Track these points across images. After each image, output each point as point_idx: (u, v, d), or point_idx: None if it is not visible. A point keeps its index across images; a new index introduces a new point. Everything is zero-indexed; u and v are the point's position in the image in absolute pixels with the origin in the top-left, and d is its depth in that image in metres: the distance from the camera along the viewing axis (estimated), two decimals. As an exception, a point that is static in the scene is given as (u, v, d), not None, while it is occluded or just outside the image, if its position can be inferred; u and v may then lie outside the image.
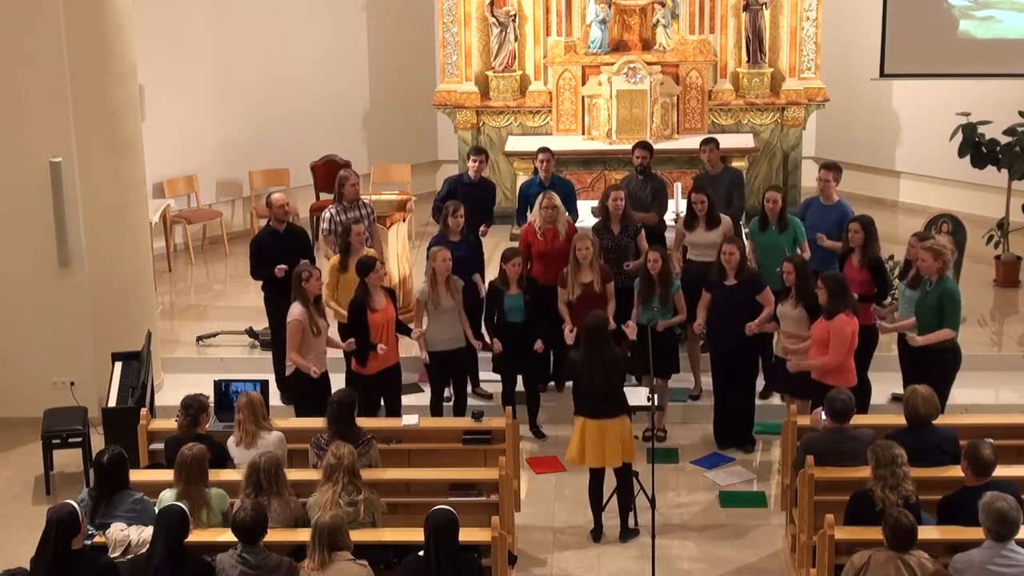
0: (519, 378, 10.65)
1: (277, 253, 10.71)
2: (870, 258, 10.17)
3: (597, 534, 9.33)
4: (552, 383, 11.21)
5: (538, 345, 10.43)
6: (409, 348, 11.01)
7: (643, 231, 11.02)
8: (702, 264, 10.72)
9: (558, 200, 10.93)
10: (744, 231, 11.35)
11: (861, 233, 10.16)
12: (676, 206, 12.03)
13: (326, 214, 11.35)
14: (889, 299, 10.46)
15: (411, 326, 10.27)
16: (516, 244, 11.14)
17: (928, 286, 9.65)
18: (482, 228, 11.68)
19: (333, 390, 9.10)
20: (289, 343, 9.77)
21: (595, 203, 11.74)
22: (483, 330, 10.58)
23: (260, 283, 11.01)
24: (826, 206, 11.08)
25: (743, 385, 10.36)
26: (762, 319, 10.04)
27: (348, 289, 10.25)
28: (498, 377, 10.64)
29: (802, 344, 9.63)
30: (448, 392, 10.58)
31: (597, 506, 9.33)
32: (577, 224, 11.51)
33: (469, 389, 10.78)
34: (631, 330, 10.01)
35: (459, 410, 10.36)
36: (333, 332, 10.25)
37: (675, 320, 10.32)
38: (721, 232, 10.75)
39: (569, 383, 10.97)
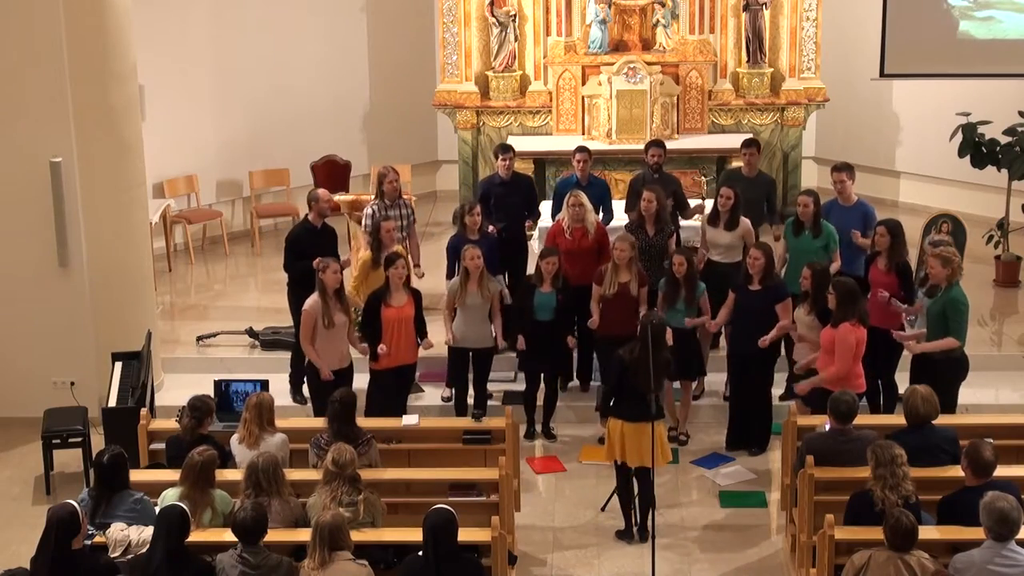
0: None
1: (313, 248, 10.56)
2: (897, 262, 10.12)
3: (628, 535, 9.27)
4: (577, 382, 11.21)
5: (571, 341, 10.43)
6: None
7: (676, 234, 11.01)
8: (721, 265, 10.71)
9: (585, 199, 10.92)
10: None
11: (887, 237, 10.11)
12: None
13: (368, 210, 11.35)
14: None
15: (427, 338, 10.21)
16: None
17: (939, 293, 9.61)
18: (528, 223, 11.70)
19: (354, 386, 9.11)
20: (302, 333, 9.79)
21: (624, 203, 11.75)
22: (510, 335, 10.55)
23: (286, 279, 10.99)
24: (847, 207, 10.99)
25: (760, 389, 10.34)
26: (773, 336, 10.00)
27: (378, 285, 10.24)
28: (502, 377, 10.61)
29: (809, 357, 9.63)
30: (449, 393, 10.58)
31: (628, 507, 9.29)
32: (612, 224, 11.50)
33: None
34: (669, 336, 9.91)
35: (479, 408, 10.37)
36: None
37: (700, 320, 10.33)
38: (739, 234, 10.74)
39: (594, 383, 11.01)
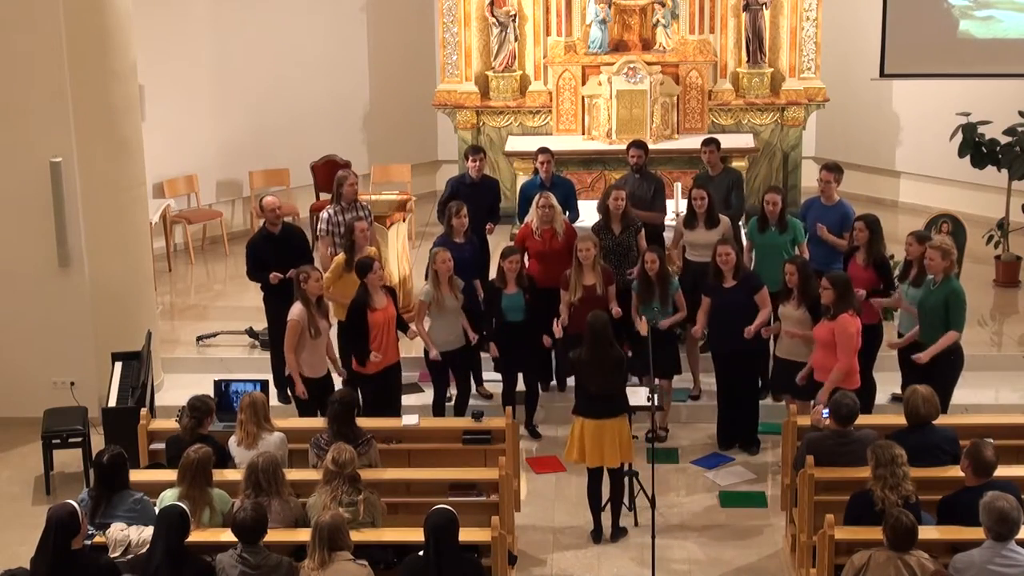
0: (520, 378, 10.63)
1: (272, 255, 10.70)
2: (875, 257, 10.18)
3: (597, 535, 9.33)
4: (554, 382, 11.20)
5: (546, 340, 10.44)
6: (409, 348, 11.02)
7: (643, 230, 11.02)
8: (701, 264, 10.71)
9: (555, 200, 10.94)
10: (743, 231, 11.35)
11: (866, 232, 10.18)
12: (676, 206, 12.03)
13: (323, 214, 11.33)
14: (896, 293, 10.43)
15: (410, 326, 10.28)
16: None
17: (932, 285, 9.64)
18: (489, 226, 11.69)
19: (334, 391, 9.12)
20: (287, 342, 9.79)
21: (597, 203, 11.74)
22: (484, 332, 10.56)
23: (258, 284, 11.01)
24: (827, 206, 11.09)
25: (747, 387, 10.35)
26: (759, 323, 10.03)
27: (351, 287, 10.26)
28: (500, 377, 10.63)
29: (800, 333, 9.64)
30: (450, 392, 10.57)
31: (596, 507, 9.33)
32: (578, 224, 11.51)
33: (472, 388, 10.76)
34: (643, 326, 9.92)
35: (460, 409, 10.36)
36: (332, 334, 10.21)
37: (677, 317, 10.32)
38: (720, 232, 10.75)
39: (571, 381, 11.00)
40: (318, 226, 11.34)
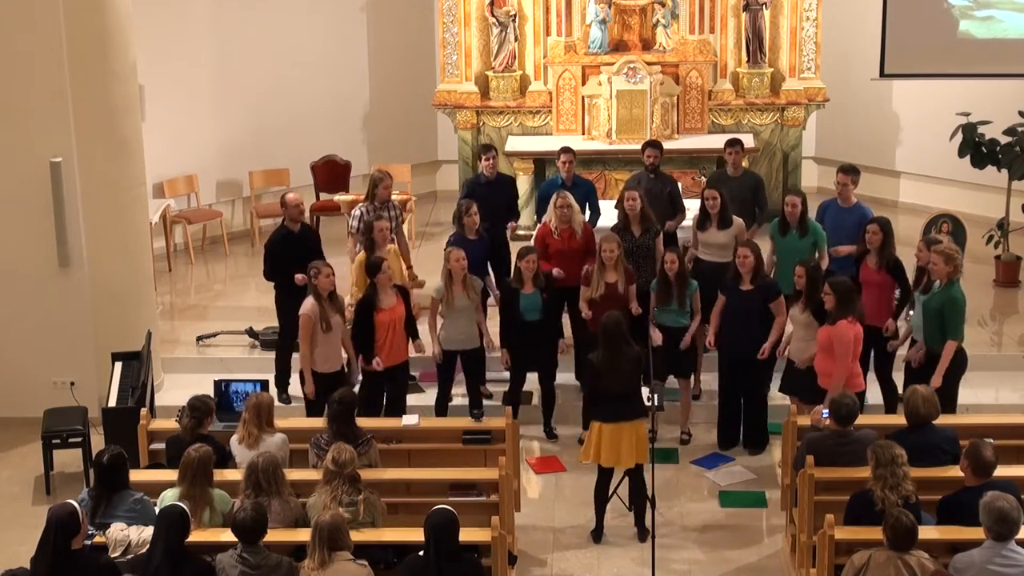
0: (527, 378, 10.62)
1: (292, 254, 10.65)
2: (888, 260, 10.15)
3: (598, 534, 9.32)
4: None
5: (562, 344, 10.45)
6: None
7: (661, 233, 11.02)
8: (712, 264, 10.71)
9: (572, 199, 10.94)
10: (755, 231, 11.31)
11: (880, 235, 10.13)
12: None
13: (356, 212, 11.31)
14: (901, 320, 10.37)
15: (419, 328, 10.21)
16: (529, 243, 11.11)
17: (936, 289, 9.63)
18: (511, 225, 11.69)
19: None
20: (302, 338, 9.78)
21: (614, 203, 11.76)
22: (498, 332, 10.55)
23: (271, 283, 10.99)
24: (844, 209, 11.05)
25: (755, 389, 10.33)
26: (772, 342, 10.01)
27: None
28: (504, 376, 10.62)
29: (808, 353, 9.63)
30: (452, 392, 10.58)
31: (601, 507, 9.32)
32: (600, 223, 11.50)
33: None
34: (657, 337, 9.94)
35: (473, 408, 10.35)
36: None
37: (695, 324, 10.31)
38: (733, 233, 10.74)
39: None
40: (350, 223, 11.30)
